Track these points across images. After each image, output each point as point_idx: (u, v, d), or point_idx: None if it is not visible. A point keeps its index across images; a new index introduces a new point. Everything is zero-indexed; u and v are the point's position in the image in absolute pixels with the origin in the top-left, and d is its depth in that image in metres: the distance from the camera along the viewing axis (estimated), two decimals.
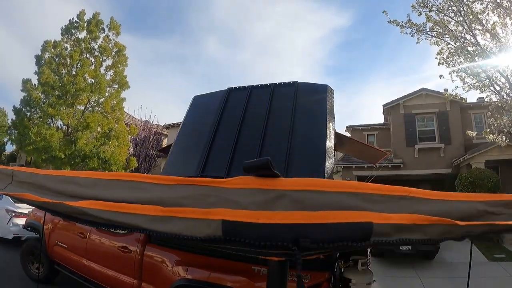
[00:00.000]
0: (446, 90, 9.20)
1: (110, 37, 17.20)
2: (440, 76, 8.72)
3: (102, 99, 16.43)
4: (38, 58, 14.76)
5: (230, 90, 4.08)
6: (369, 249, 3.65)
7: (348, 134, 22.36)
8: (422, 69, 63.72)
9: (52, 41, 15.09)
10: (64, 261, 5.12)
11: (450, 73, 8.32)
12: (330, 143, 3.11)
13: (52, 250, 5.32)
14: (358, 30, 73.73)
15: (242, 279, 3.13)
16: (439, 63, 8.75)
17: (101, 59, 16.59)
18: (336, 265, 3.26)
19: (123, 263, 4.15)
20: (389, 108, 19.56)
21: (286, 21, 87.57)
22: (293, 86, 3.68)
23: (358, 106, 70.23)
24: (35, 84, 14.40)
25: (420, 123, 18.62)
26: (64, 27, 15.64)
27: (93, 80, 15.72)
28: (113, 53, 17.04)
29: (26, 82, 14.26)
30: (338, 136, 4.21)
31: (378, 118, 22.01)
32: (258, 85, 3.97)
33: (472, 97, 28.85)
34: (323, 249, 0.96)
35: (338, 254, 3.24)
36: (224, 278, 3.23)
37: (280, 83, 3.82)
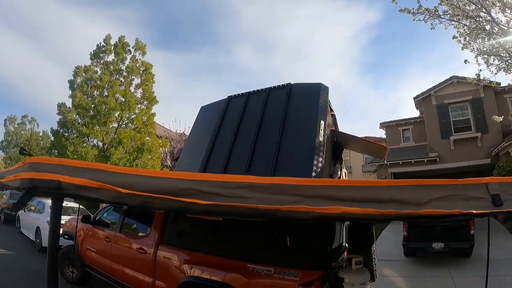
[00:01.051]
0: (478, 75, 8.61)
1: (136, 57, 18.27)
2: (465, 61, 8.27)
3: (133, 116, 17.38)
4: (71, 83, 16.00)
5: (230, 98, 4.34)
6: (373, 249, 3.62)
7: (383, 132, 21.58)
8: (459, 56, 60.80)
9: (83, 66, 16.28)
10: (93, 264, 5.54)
11: (476, 56, 7.87)
12: (319, 139, 3.15)
13: (84, 255, 5.80)
14: (388, 24, 71.99)
15: (239, 277, 3.26)
16: (462, 48, 8.31)
17: (129, 78, 17.62)
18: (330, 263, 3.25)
19: (140, 263, 4.43)
20: (421, 100, 18.69)
21: (314, 22, 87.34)
22: (286, 88, 3.78)
23: (398, 102, 68.12)
24: (69, 107, 15.57)
25: (454, 113, 17.60)
26: (92, 52, 16.82)
27: (123, 99, 16.67)
28: (141, 71, 18.05)
29: (61, 106, 15.49)
30: (341, 134, 4.20)
31: (416, 112, 21.23)
32: (255, 90, 4.12)
33: (506, 80, 26.96)
34: None
35: (331, 253, 3.29)
36: (224, 275, 3.38)
37: (274, 87, 3.94)
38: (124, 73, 17.55)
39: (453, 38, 7.79)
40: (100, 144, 16.91)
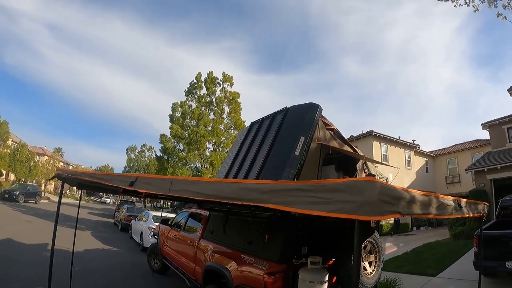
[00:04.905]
0: None
1: (225, 88, 20.92)
2: None
3: (223, 139, 19.83)
4: (171, 117, 19.32)
5: (252, 123, 5.41)
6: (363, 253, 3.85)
7: (486, 132, 18.84)
8: None
9: (179, 102, 19.56)
10: (167, 256, 7.09)
11: None
12: (295, 154, 3.79)
13: (163, 250, 7.45)
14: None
15: (234, 263, 4.15)
16: None
17: (218, 109, 20.30)
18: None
19: (189, 252, 5.77)
20: None
21: (416, 19, 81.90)
22: (284, 112, 4.57)
23: None
24: (168, 137, 18.83)
25: None
26: (186, 89, 20.07)
27: (210, 128, 19.31)
28: (229, 100, 20.54)
29: (161, 136, 18.91)
30: (330, 147, 4.44)
31: None
32: (267, 115, 5.05)
33: None
34: None
35: (292, 251, 3.70)
36: (226, 262, 4.32)
37: (278, 111, 4.75)
38: (212, 105, 20.28)
39: None
40: (198, 165, 19.67)
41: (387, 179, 6.22)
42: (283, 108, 4.69)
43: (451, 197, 2.52)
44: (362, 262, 3.89)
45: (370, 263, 4.02)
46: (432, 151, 27.98)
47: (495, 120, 17.87)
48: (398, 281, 6.76)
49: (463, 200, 2.76)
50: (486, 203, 3.46)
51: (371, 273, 3.94)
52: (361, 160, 5.16)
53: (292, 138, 4.01)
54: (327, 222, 4.04)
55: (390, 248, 13.99)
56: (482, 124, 18.42)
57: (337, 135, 4.78)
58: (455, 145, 27.71)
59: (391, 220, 20.64)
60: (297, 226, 3.85)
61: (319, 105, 4.39)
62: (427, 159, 26.38)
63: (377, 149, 21.67)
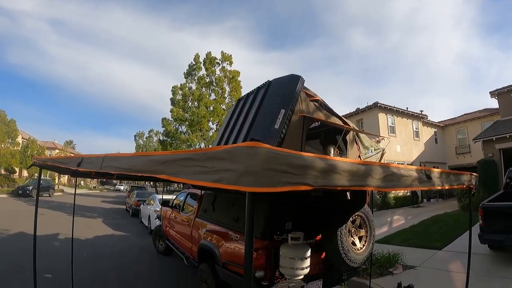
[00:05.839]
0: None
1: (225, 67, 20.60)
2: None
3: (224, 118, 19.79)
4: (172, 100, 19.22)
5: (238, 100, 5.32)
6: (339, 234, 3.66)
7: (495, 100, 18.16)
8: None
9: (179, 84, 19.38)
10: (170, 237, 7.19)
11: None
12: (275, 127, 3.64)
13: (165, 230, 7.56)
14: None
15: (222, 241, 4.17)
16: None
17: (217, 89, 20.08)
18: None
19: (186, 232, 5.81)
20: None
21: None
22: (266, 85, 4.38)
23: None
24: (170, 120, 18.81)
25: None
26: (186, 71, 19.83)
27: (212, 108, 19.17)
28: (229, 80, 20.26)
29: (163, 120, 18.88)
30: (314, 119, 4.32)
31: None
32: (250, 91, 4.96)
33: None
34: None
35: (274, 228, 3.68)
36: (216, 240, 4.34)
37: (261, 85, 4.57)
38: (212, 85, 20.06)
39: None
40: (203, 145, 19.71)
41: (383, 150, 6.06)
42: (265, 82, 4.55)
43: (414, 167, 2.31)
44: (351, 237, 3.82)
45: (360, 238, 3.94)
46: (441, 121, 27.28)
47: (503, 88, 17.11)
48: (401, 255, 6.70)
49: (436, 170, 2.55)
50: (473, 174, 3.25)
51: (360, 248, 3.86)
52: (351, 132, 5.00)
53: (273, 111, 3.87)
54: (313, 197, 3.97)
55: (398, 221, 13.96)
56: (490, 92, 17.72)
57: (322, 106, 4.61)
58: (465, 114, 26.89)
59: (409, 193, 20.66)
60: (280, 202, 3.78)
61: (300, 76, 4.22)
62: (436, 130, 25.78)
63: (383, 121, 21.25)
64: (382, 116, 21.18)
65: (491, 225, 6.81)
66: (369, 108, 21.67)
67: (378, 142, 21.17)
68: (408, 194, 21.05)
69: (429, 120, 24.95)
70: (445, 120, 27.69)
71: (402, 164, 18.17)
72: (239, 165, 1.29)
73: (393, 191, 19.98)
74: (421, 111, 24.00)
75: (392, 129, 21.66)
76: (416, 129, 23.56)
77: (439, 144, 25.51)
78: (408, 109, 22.93)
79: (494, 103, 18.77)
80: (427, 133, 24.70)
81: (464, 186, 3.04)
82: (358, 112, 22.67)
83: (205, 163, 1.47)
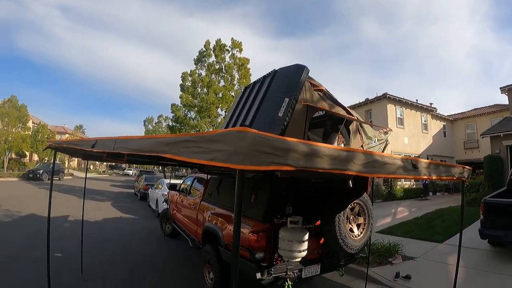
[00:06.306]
0: None
1: (235, 54, 20.57)
2: None
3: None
4: (181, 86, 19.34)
5: (245, 88, 5.43)
6: (337, 220, 3.70)
7: (505, 96, 17.85)
8: None
9: (189, 71, 19.45)
10: (176, 220, 7.42)
11: None
12: (278, 115, 3.77)
13: (172, 214, 7.80)
14: None
15: (225, 223, 4.37)
16: None
17: (226, 75, 20.12)
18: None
19: (192, 215, 6.00)
20: None
21: None
22: (272, 74, 4.49)
23: None
24: (179, 106, 18.97)
25: None
26: (196, 58, 19.87)
27: (220, 95, 19.27)
28: (238, 67, 20.26)
29: (172, 106, 19.05)
30: (317, 108, 4.35)
31: None
32: (257, 79, 5.06)
33: None
34: None
35: (275, 212, 3.83)
36: (220, 222, 4.52)
37: (267, 74, 4.67)
38: (222, 72, 20.10)
39: None
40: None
41: (387, 141, 6.14)
42: (271, 71, 4.64)
43: (399, 156, 2.40)
44: (349, 224, 3.94)
45: (358, 226, 4.06)
46: (451, 115, 26.94)
47: None
48: (401, 246, 6.82)
49: (424, 161, 2.62)
50: (467, 167, 3.30)
51: (358, 235, 3.98)
52: (354, 122, 5.09)
53: (278, 100, 3.99)
54: (314, 184, 4.10)
55: (402, 212, 14.02)
56: (500, 88, 17.43)
57: (327, 96, 4.69)
58: (474, 109, 26.50)
59: (415, 185, 20.72)
60: (281, 187, 3.93)
61: (305, 66, 4.30)
62: (445, 123, 25.49)
63: (392, 112, 21.10)
64: (390, 107, 21.04)
65: (492, 220, 6.84)
66: (378, 99, 21.52)
67: (386, 133, 21.15)
68: (414, 186, 21.05)
69: (438, 113, 24.68)
70: (454, 114, 27.36)
71: (409, 156, 18.14)
72: (230, 146, 1.47)
73: (398, 183, 20.12)
74: (431, 103, 23.74)
75: (400, 121, 21.51)
76: (425, 121, 23.35)
77: (447, 138, 25.28)
78: (418, 101, 22.70)
79: (504, 99, 18.46)
80: (435, 126, 24.47)
81: (455, 178, 3.10)
82: (367, 102, 22.53)
83: (202, 145, 1.65)
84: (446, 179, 3.01)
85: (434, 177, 2.76)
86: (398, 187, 19.80)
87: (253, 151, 1.45)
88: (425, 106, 23.09)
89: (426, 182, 20.39)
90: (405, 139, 21.48)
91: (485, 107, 25.36)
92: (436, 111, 24.17)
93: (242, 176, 1.61)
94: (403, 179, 19.36)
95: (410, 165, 2.43)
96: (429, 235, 8.58)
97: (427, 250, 7.17)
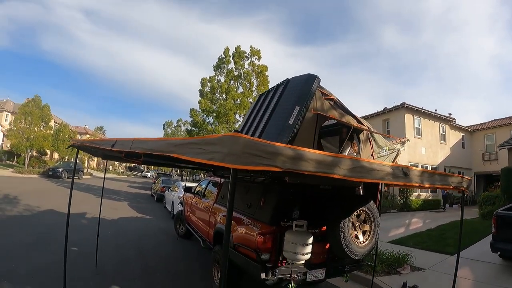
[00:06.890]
0: None
1: (253, 62, 20.90)
2: None
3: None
4: (200, 91, 19.82)
5: (260, 95, 5.64)
6: (342, 225, 3.82)
7: None
8: None
9: (208, 77, 19.91)
10: (190, 221, 7.67)
11: None
12: (289, 123, 3.92)
13: (186, 215, 8.05)
14: None
15: (235, 225, 4.50)
16: None
17: (245, 82, 20.45)
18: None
19: (205, 217, 6.23)
20: None
21: None
22: (285, 83, 4.67)
23: None
24: (198, 111, 19.42)
25: None
26: (215, 64, 20.30)
27: (238, 101, 19.59)
28: (257, 74, 20.56)
29: (191, 110, 19.54)
30: (328, 117, 4.46)
31: None
32: (271, 88, 5.23)
33: None
34: None
35: (282, 215, 3.99)
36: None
37: (281, 82, 4.85)
38: (240, 79, 20.45)
39: None
40: None
41: (398, 150, 6.21)
42: (284, 80, 4.83)
43: (389, 163, 2.51)
44: (354, 231, 4.05)
45: (364, 233, 4.17)
46: (470, 125, 26.27)
47: None
48: (411, 256, 6.80)
49: (416, 169, 2.72)
50: (467, 177, 3.36)
51: (363, 242, 4.08)
52: (364, 131, 5.20)
53: (289, 108, 4.15)
54: (321, 189, 4.24)
55: (416, 223, 13.83)
56: None
57: (337, 105, 4.81)
58: (494, 120, 25.74)
59: (431, 196, 20.40)
60: (289, 192, 4.10)
61: (316, 75, 4.45)
62: (463, 134, 24.91)
63: (410, 122, 20.85)
64: (408, 117, 20.80)
65: (503, 234, 6.74)
66: (396, 108, 21.32)
67: (403, 143, 20.91)
68: (430, 198, 20.66)
69: (457, 124, 24.17)
70: (473, 125, 26.69)
71: (426, 167, 17.70)
72: (225, 148, 1.70)
73: (414, 194, 19.81)
74: (450, 114, 23.31)
75: (418, 131, 21.22)
76: (443, 132, 22.92)
77: (466, 149, 24.69)
78: (436, 112, 22.33)
79: None
80: (454, 137, 23.96)
81: (452, 187, 3.18)
82: (385, 111, 22.35)
83: (203, 146, 1.90)
84: (440, 187, 3.10)
85: (427, 185, 2.86)
86: (414, 197, 19.47)
87: (245, 153, 1.67)
88: (443, 117, 22.69)
89: (446, 193, 20.03)
90: (423, 150, 21.15)
91: (506, 118, 24.60)
92: (455, 121, 23.70)
93: (235, 174, 1.83)
94: (419, 190, 19.07)
95: (401, 172, 2.56)
96: (440, 246, 8.48)
97: (437, 262, 7.11)
